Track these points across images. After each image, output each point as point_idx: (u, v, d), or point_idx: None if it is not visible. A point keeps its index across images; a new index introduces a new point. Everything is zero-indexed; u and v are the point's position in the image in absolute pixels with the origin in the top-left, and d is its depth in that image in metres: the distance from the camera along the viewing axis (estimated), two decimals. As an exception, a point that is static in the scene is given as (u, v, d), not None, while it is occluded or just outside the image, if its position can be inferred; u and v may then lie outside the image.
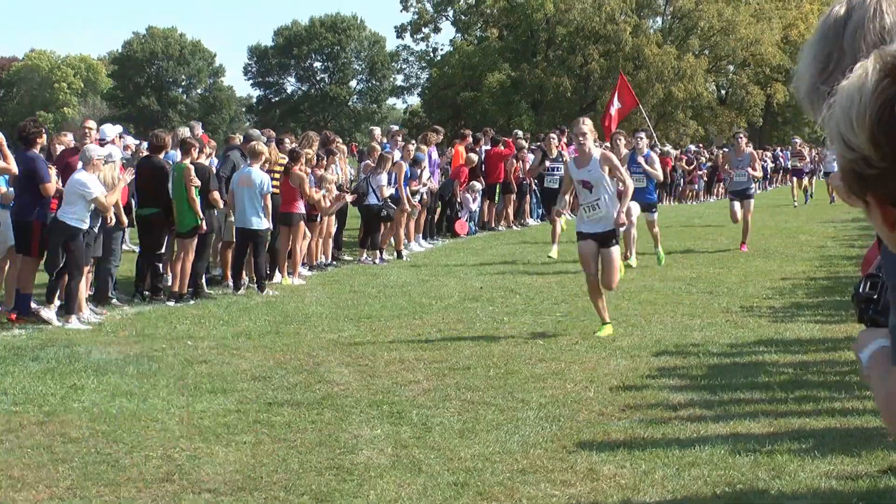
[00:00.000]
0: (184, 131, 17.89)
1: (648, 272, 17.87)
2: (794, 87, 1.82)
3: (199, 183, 15.30)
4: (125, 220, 14.94)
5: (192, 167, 15.30)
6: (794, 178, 37.66)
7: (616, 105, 33.23)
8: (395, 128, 26.77)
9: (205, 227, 15.41)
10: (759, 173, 22.60)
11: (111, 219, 13.93)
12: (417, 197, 22.15)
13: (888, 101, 1.63)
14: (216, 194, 15.72)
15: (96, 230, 13.94)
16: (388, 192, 20.32)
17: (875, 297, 2.66)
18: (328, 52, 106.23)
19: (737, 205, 21.11)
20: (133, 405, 8.95)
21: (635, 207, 17.63)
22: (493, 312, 13.78)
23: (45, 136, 14.56)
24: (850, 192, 1.77)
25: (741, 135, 22.73)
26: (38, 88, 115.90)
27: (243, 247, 16.29)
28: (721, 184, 46.14)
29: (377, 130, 25.32)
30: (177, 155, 16.48)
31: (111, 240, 14.74)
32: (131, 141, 18.98)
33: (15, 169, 13.32)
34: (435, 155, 24.74)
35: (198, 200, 15.26)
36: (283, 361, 10.81)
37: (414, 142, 23.85)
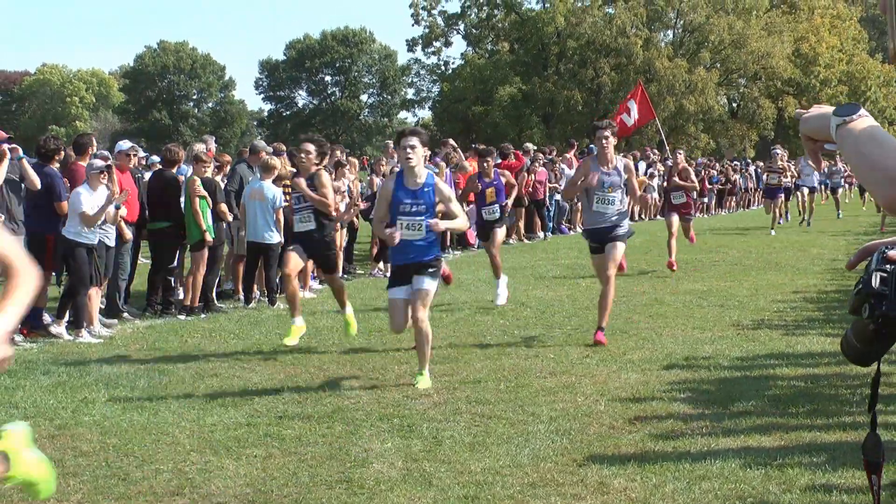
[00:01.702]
0: (199, 147, 17.89)
1: (659, 286, 17.85)
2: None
3: (204, 193, 15.32)
4: (129, 235, 14.94)
5: (197, 179, 15.34)
6: (767, 198, 31.63)
7: (634, 115, 33.23)
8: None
9: (209, 238, 15.42)
10: (692, 185, 20.83)
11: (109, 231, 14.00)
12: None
13: None
14: (223, 206, 15.74)
15: (109, 244, 14.00)
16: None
17: (887, 292, 2.63)
18: (339, 65, 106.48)
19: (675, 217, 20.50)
20: (144, 419, 8.96)
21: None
22: (504, 326, 13.78)
23: (63, 152, 14.70)
24: None
25: (679, 151, 22.69)
26: (50, 102, 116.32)
27: (255, 260, 16.33)
28: (733, 197, 46.17)
29: (392, 144, 25.30)
30: (188, 170, 16.52)
31: (119, 254, 14.77)
32: (125, 144, 18.78)
33: (38, 184, 13.38)
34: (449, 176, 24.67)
35: (204, 213, 15.28)
36: (293, 375, 10.82)
37: (436, 157, 23.77)
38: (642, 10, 70.90)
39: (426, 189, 10.33)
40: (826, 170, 36.13)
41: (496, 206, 16.30)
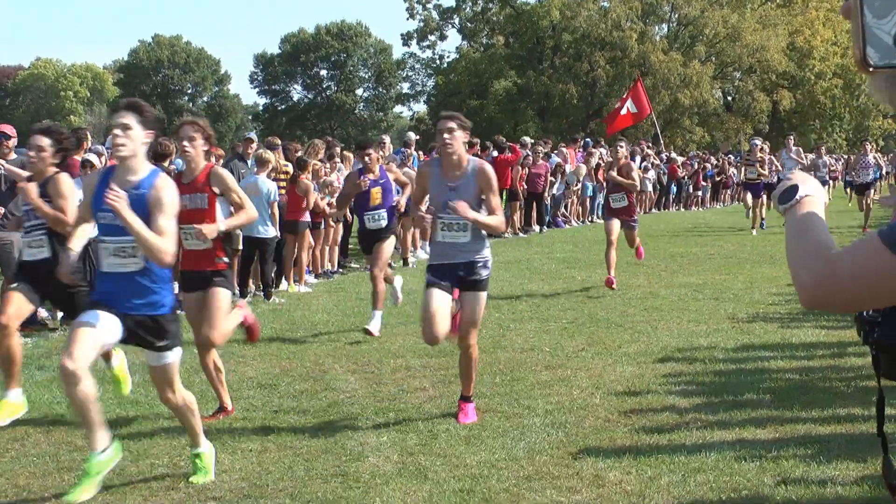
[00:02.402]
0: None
1: (654, 279, 17.86)
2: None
3: None
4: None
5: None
6: (749, 195, 28.45)
7: (632, 109, 33.25)
8: (414, 136, 26.72)
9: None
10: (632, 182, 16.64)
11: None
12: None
13: None
14: None
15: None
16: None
17: (880, 319, 2.65)
18: (334, 59, 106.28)
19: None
20: (139, 413, 8.97)
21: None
22: (500, 319, 13.78)
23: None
24: None
25: (621, 143, 17.79)
26: (44, 97, 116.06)
27: (250, 255, 16.32)
28: (728, 190, 46.19)
29: (387, 139, 25.36)
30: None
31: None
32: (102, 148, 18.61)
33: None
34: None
35: None
36: (289, 369, 10.82)
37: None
38: (637, 4, 70.86)
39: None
40: (809, 163, 31.53)
41: (382, 211, 13.16)
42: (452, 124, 8.45)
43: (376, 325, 12.61)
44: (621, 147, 17.21)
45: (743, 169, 29.47)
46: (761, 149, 28.37)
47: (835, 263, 2.29)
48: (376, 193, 13.16)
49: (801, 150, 31.64)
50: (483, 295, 8.59)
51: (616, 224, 16.53)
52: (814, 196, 2.59)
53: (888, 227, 2.27)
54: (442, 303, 8.34)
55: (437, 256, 8.63)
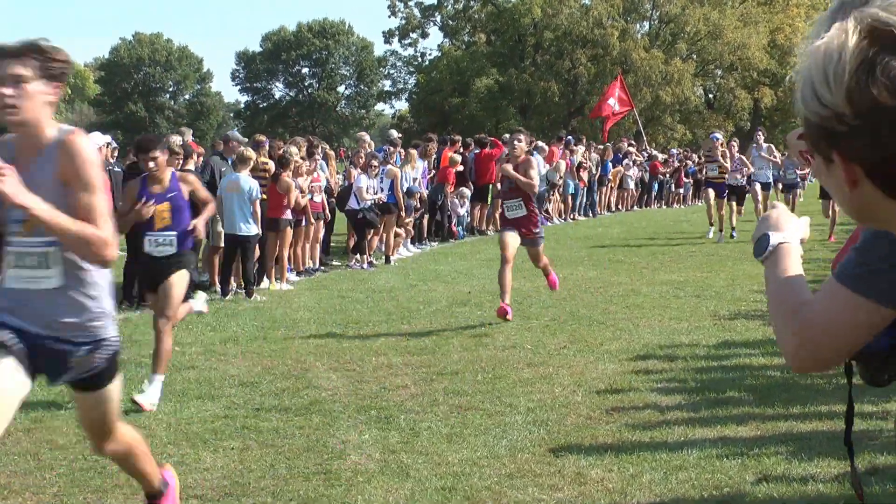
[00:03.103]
0: (175, 140, 17.81)
1: (636, 276, 17.89)
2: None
3: None
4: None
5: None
6: (711, 191, 25.49)
7: (615, 107, 33.27)
8: (396, 134, 26.72)
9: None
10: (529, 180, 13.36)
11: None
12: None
13: (866, 61, 1.71)
14: None
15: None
16: (370, 196, 20.18)
17: None
18: (316, 57, 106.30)
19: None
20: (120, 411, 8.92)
21: None
22: (482, 317, 13.78)
23: None
24: (813, 150, 1.84)
25: (519, 135, 14.03)
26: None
27: (232, 253, 16.28)
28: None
29: (367, 136, 25.31)
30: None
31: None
32: (100, 138, 18.43)
33: None
34: (425, 167, 24.58)
35: None
36: (270, 367, 10.79)
37: (412, 151, 23.67)
38: (619, 2, 71.14)
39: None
40: (779, 161, 27.13)
41: (170, 235, 9.56)
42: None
43: (153, 395, 9.16)
44: (520, 141, 13.73)
45: (704, 167, 27.21)
46: (722, 143, 25.74)
47: (809, 323, 2.30)
48: (163, 211, 9.60)
49: (772, 147, 27.49)
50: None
51: (512, 237, 13.39)
52: (788, 243, 2.58)
53: (840, 265, 2.29)
54: None
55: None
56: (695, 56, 73.91)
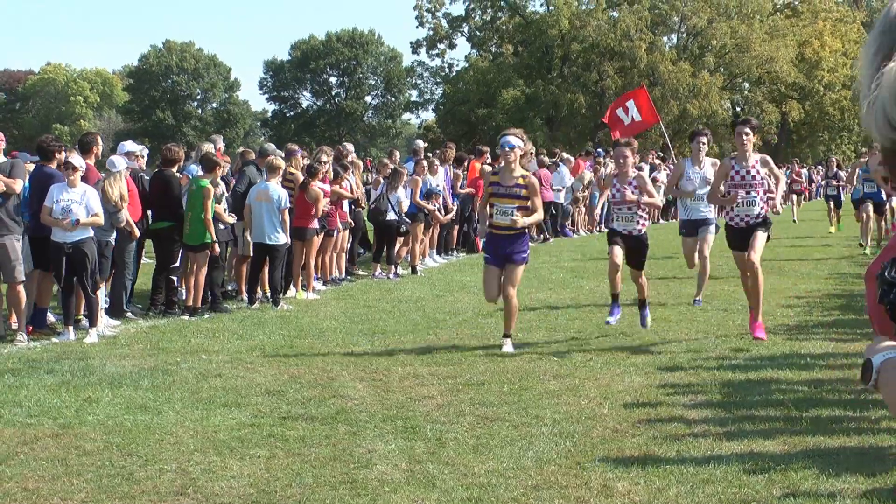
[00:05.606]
0: (207, 147, 17.84)
1: (663, 290, 17.83)
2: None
3: (216, 205, 15.37)
4: (136, 232, 14.89)
5: (212, 188, 15.31)
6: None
7: (633, 115, 33.00)
8: (422, 144, 26.78)
9: (217, 249, 15.50)
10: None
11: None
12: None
13: None
14: (219, 208, 15.65)
15: (109, 242, 13.98)
16: (406, 206, 20.40)
17: None
18: (344, 66, 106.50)
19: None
20: (147, 418, 8.97)
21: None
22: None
23: (63, 152, 14.10)
24: (891, 175, 1.80)
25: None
26: (54, 102, 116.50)
27: (259, 261, 16.31)
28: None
29: (397, 154, 25.47)
30: (197, 169, 16.50)
31: (123, 253, 14.75)
32: (133, 146, 18.14)
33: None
34: (447, 173, 24.57)
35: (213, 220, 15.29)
36: (297, 376, 10.82)
37: (430, 156, 23.73)
38: (646, 14, 70.97)
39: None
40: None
41: None
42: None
43: None
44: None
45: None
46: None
47: None
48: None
49: (717, 161, 17.27)
50: None
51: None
52: (892, 358, 2.56)
53: None
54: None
55: None
56: (722, 69, 73.73)
